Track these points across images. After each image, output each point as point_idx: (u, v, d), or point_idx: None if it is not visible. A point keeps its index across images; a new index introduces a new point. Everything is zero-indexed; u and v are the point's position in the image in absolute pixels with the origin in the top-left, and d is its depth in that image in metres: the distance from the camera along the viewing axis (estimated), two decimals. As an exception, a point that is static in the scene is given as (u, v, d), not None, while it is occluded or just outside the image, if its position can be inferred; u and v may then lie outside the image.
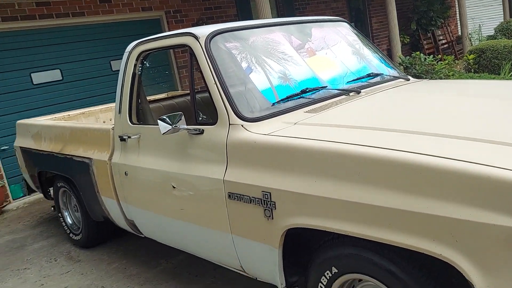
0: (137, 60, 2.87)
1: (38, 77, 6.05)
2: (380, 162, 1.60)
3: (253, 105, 2.28)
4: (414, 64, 6.53)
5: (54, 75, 6.20)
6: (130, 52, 2.90)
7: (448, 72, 6.44)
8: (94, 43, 6.56)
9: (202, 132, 2.35)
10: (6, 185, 5.64)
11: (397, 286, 1.65)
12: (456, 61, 7.99)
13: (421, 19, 12.06)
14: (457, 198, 1.42)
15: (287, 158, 1.92)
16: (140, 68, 2.90)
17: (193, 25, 7.47)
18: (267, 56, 2.48)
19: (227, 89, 2.27)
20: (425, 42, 12.09)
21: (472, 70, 7.52)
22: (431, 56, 6.88)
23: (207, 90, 2.34)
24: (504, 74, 7.05)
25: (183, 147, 2.47)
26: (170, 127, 2.35)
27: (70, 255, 3.88)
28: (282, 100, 2.32)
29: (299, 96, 2.36)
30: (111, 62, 6.75)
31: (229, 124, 2.22)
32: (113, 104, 5.06)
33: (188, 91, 4.05)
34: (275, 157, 1.97)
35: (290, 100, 2.33)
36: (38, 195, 5.64)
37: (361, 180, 1.65)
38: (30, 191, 4.78)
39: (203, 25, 7.21)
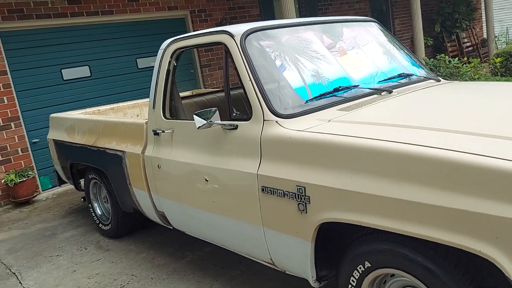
0: (171, 57, 2.92)
1: (68, 73, 6.17)
2: (422, 159, 1.60)
3: (286, 102, 2.30)
4: (439, 66, 6.39)
5: (83, 71, 6.31)
6: (165, 49, 2.95)
7: (474, 75, 6.26)
8: (121, 41, 6.66)
9: (236, 127, 2.38)
10: (36, 176, 5.77)
11: (433, 282, 1.65)
12: (482, 64, 7.69)
13: (445, 21, 11.65)
14: (499, 196, 1.42)
15: (323, 154, 1.93)
16: (174, 65, 2.94)
17: (216, 25, 7.51)
18: (300, 55, 2.49)
19: (262, 86, 2.29)
20: (449, 44, 11.70)
21: (499, 74, 7.27)
22: (456, 58, 6.70)
23: (242, 87, 2.36)
24: None
25: (216, 142, 2.50)
26: (205, 122, 2.38)
27: (100, 244, 3.96)
28: (315, 98, 2.33)
29: (331, 95, 2.36)
30: (137, 60, 6.84)
31: (264, 120, 2.24)
32: (140, 101, 5.16)
33: (212, 90, 4.09)
34: (311, 153, 1.98)
35: (323, 98, 2.34)
36: (66, 187, 5.78)
37: (401, 176, 1.66)
38: (61, 183, 4.87)
39: (226, 24, 7.26)
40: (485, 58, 10.97)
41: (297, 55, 2.47)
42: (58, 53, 6.04)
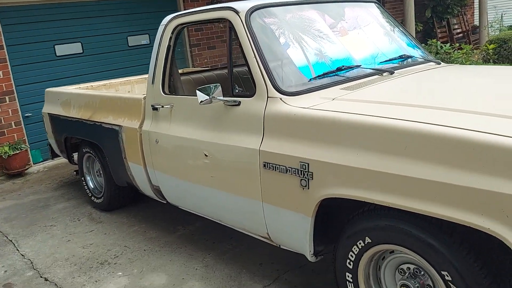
0: (172, 33, 2.72)
1: (61, 49, 5.85)
2: (430, 137, 1.50)
3: (290, 79, 2.16)
4: (430, 52, 6.12)
5: (76, 48, 6.00)
6: (166, 25, 2.74)
7: (465, 62, 5.99)
8: (113, 19, 6.33)
9: (238, 104, 2.22)
10: (28, 149, 5.47)
11: (436, 259, 1.56)
12: (474, 51, 7.34)
13: (436, 6, 10.86)
14: (509, 174, 1.32)
15: (328, 131, 1.81)
16: (174, 41, 2.75)
17: (207, 4, 7.22)
18: (304, 33, 2.34)
19: (266, 63, 2.14)
20: (439, 30, 10.99)
21: (491, 61, 6.90)
22: (448, 44, 6.39)
23: (246, 64, 2.20)
24: None
25: (217, 118, 2.34)
26: (207, 97, 2.22)
27: (92, 216, 3.76)
28: (318, 76, 2.20)
29: (334, 74, 2.23)
30: (128, 37, 6.53)
31: (268, 97, 2.09)
32: (132, 78, 4.91)
33: (202, 68, 3.90)
34: (316, 130, 1.85)
35: (326, 77, 2.20)
36: (57, 161, 5.51)
37: (408, 154, 1.55)
38: (54, 156, 4.61)
39: (217, 3, 6.97)
40: (476, 45, 10.31)
41: (301, 34, 2.32)
42: (52, 29, 5.70)
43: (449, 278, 1.52)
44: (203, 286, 2.54)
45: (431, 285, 1.70)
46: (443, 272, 1.54)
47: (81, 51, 6.05)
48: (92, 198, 3.92)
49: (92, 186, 3.96)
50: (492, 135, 1.39)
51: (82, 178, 4.01)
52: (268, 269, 2.64)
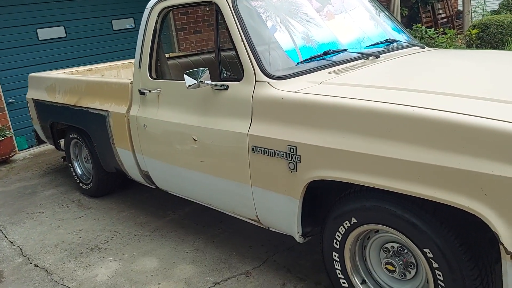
0: (158, 16, 2.70)
1: (44, 33, 5.73)
2: (413, 119, 1.55)
3: (278, 63, 2.18)
4: (415, 37, 6.18)
5: (59, 32, 5.88)
6: (152, 8, 2.72)
7: (449, 47, 6.05)
8: (97, 2, 6.20)
9: (226, 88, 2.24)
10: (13, 136, 5.41)
11: (419, 237, 1.63)
12: (457, 36, 7.34)
13: None
14: (490, 155, 1.39)
15: (315, 114, 1.84)
16: (160, 25, 2.73)
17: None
18: (291, 17, 2.36)
19: (254, 47, 2.15)
20: (423, 15, 11.07)
21: (474, 45, 6.97)
22: (432, 29, 6.44)
23: (233, 48, 2.21)
24: (509, 50, 6.54)
25: (206, 102, 2.36)
26: (195, 81, 2.23)
27: (81, 202, 3.78)
28: (305, 60, 2.22)
29: (321, 58, 2.26)
30: (112, 21, 6.42)
31: (256, 81, 2.11)
32: (117, 62, 4.86)
33: (188, 53, 3.89)
34: (304, 113, 1.89)
35: (313, 61, 2.23)
36: (43, 148, 5.47)
37: (393, 136, 1.60)
38: (40, 142, 4.57)
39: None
40: (460, 30, 10.46)
41: (288, 17, 2.34)
42: (33, 12, 5.57)
43: (431, 255, 1.60)
44: (194, 269, 2.60)
45: (414, 262, 1.78)
46: (425, 250, 1.61)
47: (64, 35, 5.94)
48: (80, 184, 3.92)
49: (80, 173, 3.95)
50: (471, 116, 1.45)
51: (70, 165, 4.00)
52: (258, 251, 2.71)
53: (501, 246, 1.39)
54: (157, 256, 2.79)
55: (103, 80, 3.25)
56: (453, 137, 1.46)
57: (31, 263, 2.87)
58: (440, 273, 1.59)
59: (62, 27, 5.90)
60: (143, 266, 2.69)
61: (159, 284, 2.49)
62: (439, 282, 1.61)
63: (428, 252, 1.60)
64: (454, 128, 1.46)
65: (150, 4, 2.76)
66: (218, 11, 2.30)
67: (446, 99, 1.63)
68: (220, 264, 2.62)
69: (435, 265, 1.60)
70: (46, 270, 2.77)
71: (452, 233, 1.55)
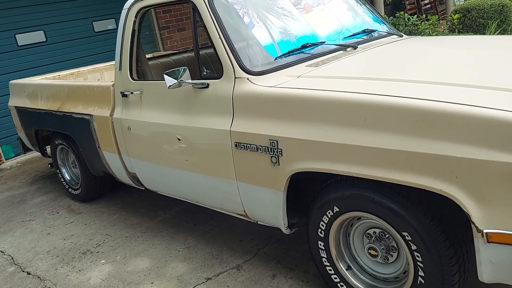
0: (136, 16, 2.75)
1: (23, 39, 5.71)
2: (386, 108, 1.63)
3: (257, 59, 2.24)
4: (398, 24, 6.30)
5: (38, 36, 5.85)
6: (129, 9, 2.76)
7: (432, 33, 6.16)
8: (76, 3, 6.18)
9: (207, 86, 2.30)
10: (-2, 145, 5.43)
11: (397, 221, 1.71)
12: (440, 22, 7.49)
13: None
14: (458, 138, 1.47)
15: (294, 108, 1.92)
16: (139, 25, 2.78)
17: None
18: (268, 12, 2.42)
19: (231, 44, 2.21)
20: (407, 2, 11.19)
21: (456, 30, 7.13)
22: (415, 16, 6.58)
23: (212, 46, 2.27)
24: (490, 34, 6.62)
25: (187, 101, 2.42)
26: (176, 81, 2.29)
27: (71, 208, 3.83)
28: (283, 54, 2.29)
29: (299, 51, 2.33)
30: (94, 23, 6.41)
31: (235, 78, 2.18)
32: (100, 65, 4.89)
33: (172, 52, 3.93)
34: (283, 108, 1.96)
35: (291, 54, 2.30)
36: (30, 155, 5.49)
37: (367, 125, 1.68)
38: (26, 150, 4.60)
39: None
40: (443, 16, 10.59)
41: (265, 12, 2.40)
42: (11, 17, 5.54)
43: (409, 238, 1.69)
44: (186, 266, 2.67)
45: (395, 246, 1.87)
46: (403, 233, 1.70)
47: (45, 40, 5.92)
48: (70, 190, 3.97)
49: (69, 178, 4.00)
50: (439, 102, 1.53)
51: (58, 171, 4.04)
52: (248, 245, 2.79)
53: (472, 225, 1.48)
54: (149, 256, 2.86)
55: (84, 84, 3.29)
56: (423, 123, 1.54)
57: (23, 271, 2.92)
58: (418, 255, 1.68)
59: (42, 32, 5.89)
60: (135, 267, 2.76)
61: (152, 283, 2.56)
62: (418, 263, 1.70)
63: (407, 236, 1.69)
64: (424, 114, 1.54)
65: (127, 5, 2.80)
66: (195, 9, 2.35)
67: (417, 86, 1.71)
68: (212, 260, 2.70)
69: (414, 247, 1.69)
70: (38, 277, 2.82)
71: (428, 216, 1.64)
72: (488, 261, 1.49)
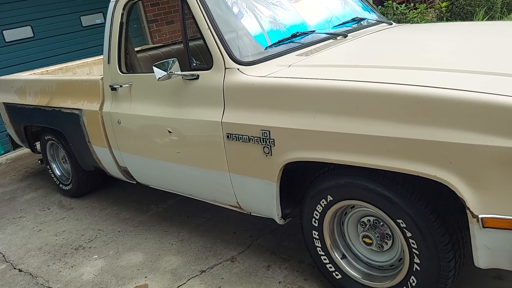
0: (123, 9, 2.66)
1: (10, 34, 5.57)
2: (378, 95, 1.58)
3: (247, 49, 2.18)
4: (387, 13, 6.32)
5: (25, 32, 5.72)
6: (117, 2, 2.68)
7: (420, 21, 6.19)
8: (63, -2, 6.07)
9: (197, 77, 2.24)
10: (-13, 142, 5.30)
11: (391, 209, 1.68)
12: (428, 10, 7.58)
13: None
14: (452, 124, 1.43)
15: (286, 97, 1.87)
16: (127, 18, 2.70)
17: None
18: (257, 1, 2.36)
19: (221, 34, 2.15)
20: None
21: (444, 18, 7.17)
22: (403, 5, 6.62)
23: (201, 37, 2.21)
24: (478, 21, 6.82)
25: (177, 93, 2.36)
26: (165, 73, 2.22)
27: (62, 203, 3.74)
28: (274, 44, 2.23)
29: (289, 41, 2.27)
30: (81, 17, 6.28)
31: (225, 68, 2.12)
32: (89, 59, 4.78)
33: (161, 44, 3.85)
34: (274, 97, 1.91)
35: (281, 44, 2.24)
36: (19, 152, 5.37)
37: (360, 113, 1.64)
38: (15, 147, 4.49)
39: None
40: (431, 4, 10.82)
41: (254, 2, 2.34)
42: (-2, 13, 5.41)
43: (404, 225, 1.66)
44: (180, 259, 2.62)
45: (390, 233, 1.84)
46: (398, 220, 1.67)
47: (32, 35, 5.78)
48: (60, 185, 3.88)
49: (59, 174, 3.91)
50: (432, 88, 1.49)
51: (48, 167, 3.95)
52: (242, 237, 2.75)
53: (467, 211, 1.45)
54: (142, 250, 2.80)
55: (73, 79, 3.20)
56: (416, 109, 1.50)
57: (15, 268, 2.85)
58: (413, 241, 1.65)
59: (29, 27, 5.75)
60: (128, 261, 2.70)
61: (145, 277, 2.51)
62: (414, 250, 1.67)
63: (401, 223, 1.66)
64: (416, 100, 1.50)
65: (114, -2, 2.72)
66: (183, 0, 2.28)
67: (408, 72, 1.67)
68: (206, 253, 2.65)
69: (409, 234, 1.66)
70: (30, 274, 2.75)
71: (422, 202, 1.61)
72: (484, 247, 1.46)
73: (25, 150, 5.33)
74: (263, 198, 2.13)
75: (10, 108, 3.94)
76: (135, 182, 3.11)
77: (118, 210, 3.45)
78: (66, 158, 3.70)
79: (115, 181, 3.91)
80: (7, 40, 5.54)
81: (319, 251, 2.03)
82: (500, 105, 1.35)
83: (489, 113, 1.37)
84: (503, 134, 1.34)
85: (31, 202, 3.89)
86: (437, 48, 2.01)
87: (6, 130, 4.40)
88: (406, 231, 1.66)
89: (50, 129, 3.61)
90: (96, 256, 2.83)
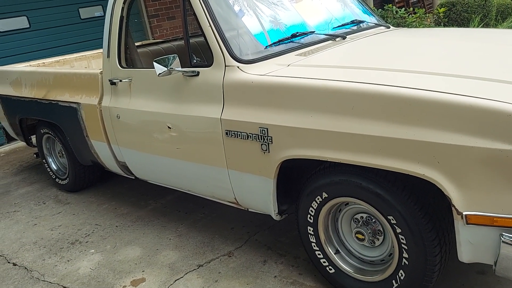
0: (124, 3, 2.81)
1: (5, 24, 5.69)
2: (373, 96, 1.74)
3: (247, 47, 2.34)
4: (386, 17, 6.56)
5: (21, 22, 5.84)
6: (117, -5, 2.83)
7: (419, 25, 6.46)
8: (62, -13, 6.21)
9: (197, 74, 2.40)
10: (-20, 135, 5.45)
11: (382, 205, 1.85)
12: (427, 15, 7.92)
13: None
14: (440, 125, 1.60)
15: (284, 96, 2.03)
16: (127, 12, 2.85)
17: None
18: (258, 1, 2.51)
19: (222, 32, 2.30)
20: None
21: (442, 24, 7.51)
22: (403, 9, 6.88)
23: (202, 34, 2.36)
24: (473, 27, 7.12)
25: (177, 89, 2.52)
26: (165, 69, 2.38)
27: (58, 198, 3.91)
28: (274, 43, 2.39)
29: (289, 40, 2.43)
30: (79, 9, 6.40)
31: (225, 66, 2.27)
32: (87, 53, 4.93)
33: (161, 40, 4.01)
34: (273, 96, 2.07)
35: (281, 44, 2.40)
36: (14, 145, 5.53)
37: (355, 113, 1.80)
38: (10, 140, 4.65)
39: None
40: (430, 9, 11.15)
41: (255, 1, 2.49)
42: (-9, 1, 5.55)
43: (394, 221, 1.83)
44: (178, 254, 2.79)
45: (381, 230, 2.01)
46: (389, 217, 1.84)
47: (28, 26, 5.91)
48: (57, 180, 4.04)
49: (56, 168, 4.07)
50: (423, 91, 1.65)
51: (44, 161, 4.11)
52: (239, 232, 2.92)
53: (453, 208, 1.62)
54: (140, 245, 2.97)
55: (71, 72, 3.35)
56: (408, 110, 1.66)
57: (9, 262, 2.99)
58: (403, 237, 1.82)
59: (25, 17, 5.87)
60: (126, 256, 2.87)
61: (143, 271, 2.68)
62: (403, 245, 1.84)
63: (392, 219, 1.83)
64: (409, 102, 1.66)
65: (114, -8, 2.86)
66: (185, -3, 2.43)
67: (402, 75, 1.83)
68: (203, 248, 2.82)
69: (399, 230, 1.83)
70: (25, 268, 2.89)
71: (412, 200, 1.77)
72: (467, 242, 1.63)
73: (20, 144, 5.50)
74: (260, 195, 2.29)
75: (4, 100, 4.09)
76: (133, 177, 3.28)
77: (116, 205, 3.61)
78: (63, 152, 3.85)
79: (113, 176, 4.07)
80: (1, 30, 5.66)
81: (314, 246, 2.20)
82: (484, 108, 1.51)
83: (475, 115, 1.53)
84: (486, 136, 1.51)
85: (26, 196, 4.05)
86: (430, 53, 2.17)
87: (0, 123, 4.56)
88: (396, 227, 1.83)
89: (46, 122, 3.76)
90: (93, 251, 2.99)
